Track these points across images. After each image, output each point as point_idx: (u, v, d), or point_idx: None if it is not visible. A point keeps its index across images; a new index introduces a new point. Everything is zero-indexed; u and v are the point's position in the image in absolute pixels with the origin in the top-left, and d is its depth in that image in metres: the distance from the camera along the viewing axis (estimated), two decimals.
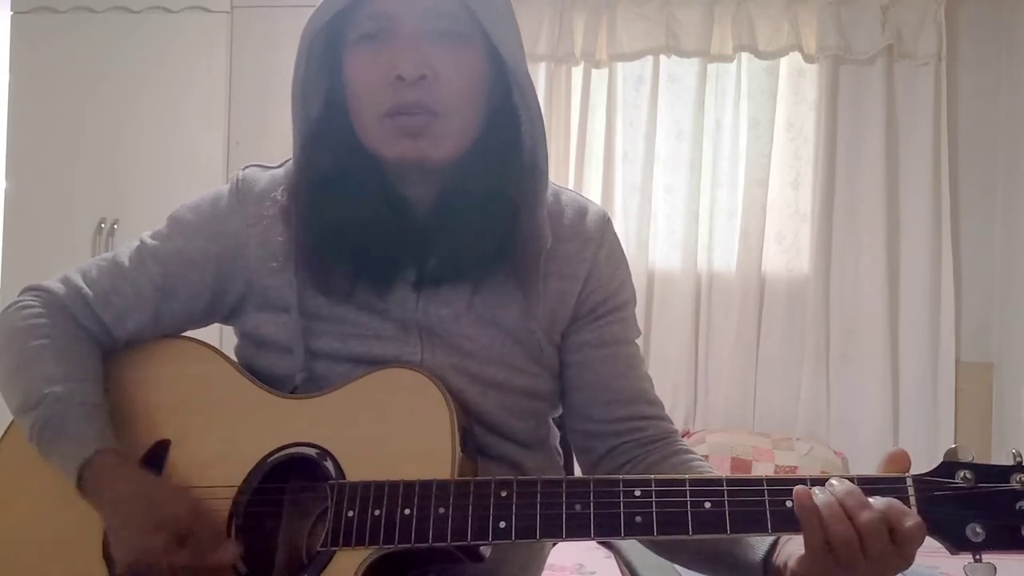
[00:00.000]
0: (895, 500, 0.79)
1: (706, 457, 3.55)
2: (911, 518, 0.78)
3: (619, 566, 1.19)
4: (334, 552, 0.90)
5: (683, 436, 3.82)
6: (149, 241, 1.11)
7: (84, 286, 1.08)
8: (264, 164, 1.13)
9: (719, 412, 3.66)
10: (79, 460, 0.96)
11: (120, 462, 0.98)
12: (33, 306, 1.07)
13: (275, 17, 3.38)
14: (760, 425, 3.62)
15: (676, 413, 3.64)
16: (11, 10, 3.56)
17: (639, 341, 1.18)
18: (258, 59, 3.42)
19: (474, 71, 1.00)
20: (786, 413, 3.62)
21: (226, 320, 1.14)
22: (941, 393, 3.51)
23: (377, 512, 0.89)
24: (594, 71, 3.77)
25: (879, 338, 3.56)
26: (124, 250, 1.12)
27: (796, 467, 3.25)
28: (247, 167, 1.13)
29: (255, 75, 3.43)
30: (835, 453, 3.42)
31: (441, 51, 0.97)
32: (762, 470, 3.27)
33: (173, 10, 3.49)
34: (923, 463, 0.84)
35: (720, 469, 3.25)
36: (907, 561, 0.79)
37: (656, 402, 1.14)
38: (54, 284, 1.09)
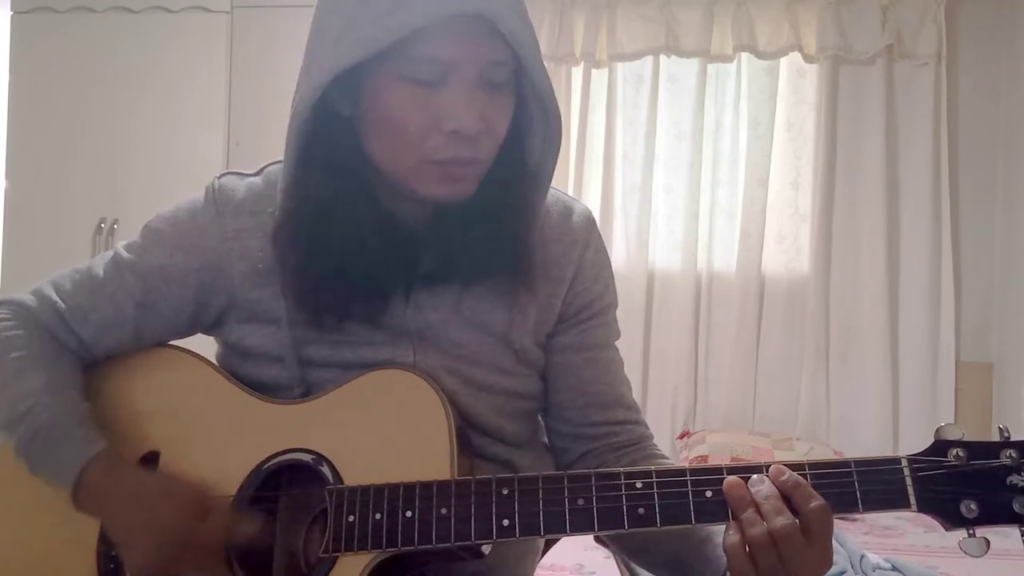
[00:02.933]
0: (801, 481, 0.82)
1: (706, 457, 3.53)
2: (814, 499, 0.81)
3: (619, 566, 1.19)
4: (336, 558, 0.89)
5: (683, 436, 3.78)
6: (125, 254, 1.07)
7: (59, 300, 1.04)
8: (240, 172, 1.09)
9: (719, 412, 3.66)
10: (73, 473, 0.94)
11: (115, 466, 0.96)
12: (6, 319, 1.04)
13: (275, 17, 3.38)
14: (760, 425, 3.62)
15: (676, 413, 3.65)
16: (11, 10, 3.56)
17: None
18: (258, 59, 3.42)
19: (510, 113, 0.97)
20: (786, 413, 3.63)
21: (208, 331, 1.11)
22: (941, 393, 3.52)
23: (378, 516, 0.89)
24: (594, 71, 3.77)
25: (879, 338, 3.56)
26: (99, 261, 1.08)
27: None
28: (222, 175, 1.09)
29: (255, 75, 3.43)
30: (835, 453, 3.42)
31: (492, 102, 0.94)
32: None
33: (173, 10, 3.49)
34: None
35: None
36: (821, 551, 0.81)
37: (632, 406, 1.13)
38: (27, 298, 1.05)
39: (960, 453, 0.82)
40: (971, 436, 0.83)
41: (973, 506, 0.81)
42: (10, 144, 3.58)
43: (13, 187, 3.56)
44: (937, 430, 0.84)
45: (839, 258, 3.63)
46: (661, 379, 3.64)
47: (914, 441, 3.46)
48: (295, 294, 1.01)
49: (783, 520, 0.80)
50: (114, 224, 3.48)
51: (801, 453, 3.31)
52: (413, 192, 0.97)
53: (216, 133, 3.48)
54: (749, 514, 0.82)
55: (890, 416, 3.54)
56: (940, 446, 0.83)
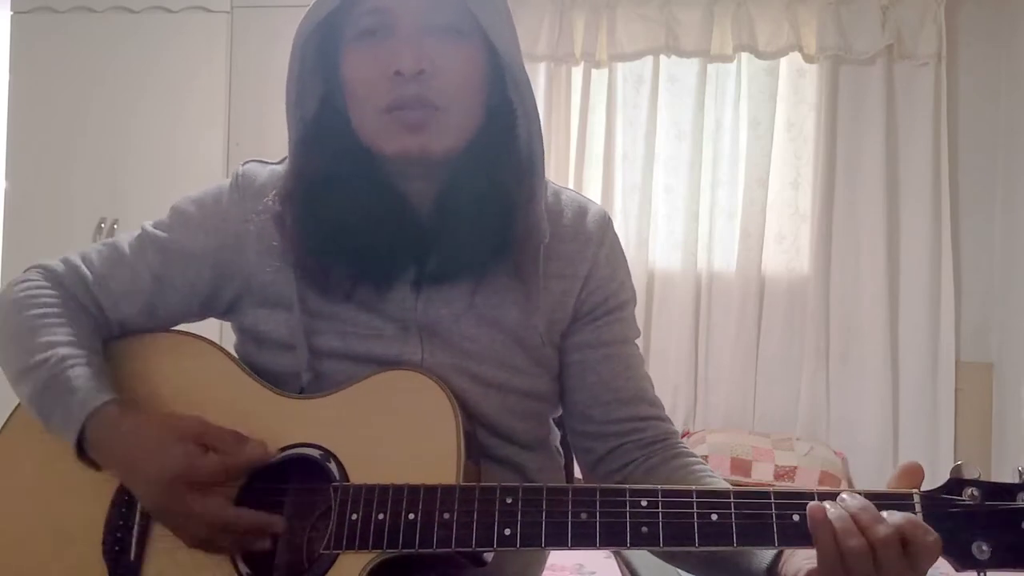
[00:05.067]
0: (912, 515, 0.80)
1: (706, 457, 3.54)
2: (930, 533, 0.79)
3: (619, 566, 1.19)
4: (337, 555, 0.90)
5: (683, 436, 3.81)
6: (151, 230, 1.12)
7: (84, 267, 1.09)
8: (264, 160, 1.14)
9: (719, 412, 3.66)
10: (86, 411, 0.95)
11: (126, 410, 0.98)
12: (34, 279, 1.08)
13: (275, 17, 3.37)
14: (760, 425, 3.62)
15: (676, 413, 3.65)
16: (11, 10, 3.55)
17: (639, 341, 1.18)
18: (258, 59, 3.42)
19: (473, 65, 1.00)
20: (786, 413, 3.62)
21: (223, 315, 1.14)
22: (941, 393, 3.51)
23: (381, 516, 0.89)
24: (594, 71, 3.76)
25: (879, 338, 3.56)
26: (125, 237, 1.13)
27: (796, 467, 3.25)
28: (247, 162, 1.14)
29: (255, 75, 3.43)
30: (835, 453, 3.42)
31: (440, 45, 0.98)
32: (762, 470, 3.27)
33: (173, 10, 3.48)
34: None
35: (720, 469, 3.25)
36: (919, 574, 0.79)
37: (656, 402, 1.14)
38: (55, 263, 1.10)
39: (975, 492, 0.81)
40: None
41: (985, 548, 0.79)
42: (10, 144, 3.57)
43: (13, 187, 3.56)
44: (954, 468, 0.83)
45: (839, 258, 3.63)
46: (661, 379, 3.62)
47: (914, 442, 3.46)
48: (296, 259, 1.03)
49: (884, 528, 0.78)
50: (114, 224, 3.47)
51: (801, 453, 3.32)
52: (385, 154, 1.00)
53: (216, 133, 3.48)
54: (846, 524, 0.79)
55: (890, 416, 3.53)
56: (955, 484, 0.82)
